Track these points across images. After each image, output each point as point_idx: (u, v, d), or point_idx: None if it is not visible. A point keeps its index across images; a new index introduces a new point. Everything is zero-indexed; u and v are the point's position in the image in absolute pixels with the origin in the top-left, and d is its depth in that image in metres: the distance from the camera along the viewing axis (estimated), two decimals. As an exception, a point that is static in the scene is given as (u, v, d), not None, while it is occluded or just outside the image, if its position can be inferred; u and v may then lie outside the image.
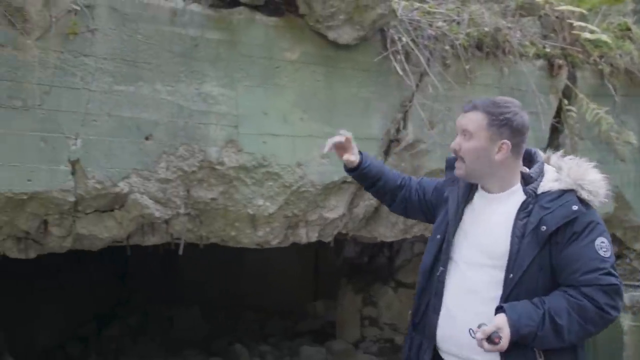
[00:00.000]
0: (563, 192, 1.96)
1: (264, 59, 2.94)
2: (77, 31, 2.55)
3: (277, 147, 2.97)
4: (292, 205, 3.10)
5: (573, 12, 3.81)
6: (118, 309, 6.64)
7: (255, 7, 2.90)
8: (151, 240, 3.06)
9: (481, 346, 1.84)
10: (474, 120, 2.02)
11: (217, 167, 2.86)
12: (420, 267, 2.22)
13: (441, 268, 2.10)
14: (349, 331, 6.02)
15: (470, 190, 2.14)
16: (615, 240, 4.48)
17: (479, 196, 2.12)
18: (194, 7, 2.80)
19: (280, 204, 3.04)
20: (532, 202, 1.98)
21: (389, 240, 3.72)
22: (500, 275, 1.96)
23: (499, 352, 1.87)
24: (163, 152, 2.74)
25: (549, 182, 1.99)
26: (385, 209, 3.45)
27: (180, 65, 2.76)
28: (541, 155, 2.13)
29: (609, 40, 3.85)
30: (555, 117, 3.85)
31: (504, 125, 1.99)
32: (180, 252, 2.97)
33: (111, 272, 6.69)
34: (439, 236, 2.15)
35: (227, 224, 3.04)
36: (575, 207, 1.92)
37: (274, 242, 3.22)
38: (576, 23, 3.80)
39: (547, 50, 3.84)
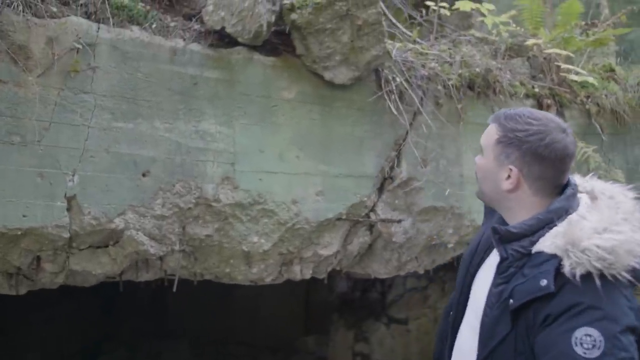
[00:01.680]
0: (552, 257, 1.48)
1: (262, 98, 2.99)
2: (79, 69, 2.59)
3: (272, 184, 3.00)
4: (287, 242, 3.11)
5: (560, 54, 3.92)
6: (105, 343, 6.53)
7: (253, 47, 2.96)
8: (145, 276, 3.05)
9: None
10: (487, 133, 1.69)
11: (213, 203, 2.87)
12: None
13: (451, 313, 1.79)
14: (340, 367, 5.97)
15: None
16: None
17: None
18: (194, 46, 2.86)
19: (275, 241, 3.05)
20: (518, 265, 1.54)
21: (382, 277, 3.73)
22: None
23: None
24: (160, 188, 2.75)
25: (549, 239, 1.50)
26: (379, 245, 3.49)
27: (179, 103, 2.80)
28: (573, 193, 1.59)
29: (595, 82, 3.95)
30: (545, 156, 3.92)
31: (511, 146, 1.59)
32: (175, 289, 2.95)
33: (98, 305, 6.61)
34: (460, 280, 1.80)
35: (222, 261, 3.04)
36: (543, 282, 1.44)
37: (268, 279, 3.22)
38: (563, 65, 3.91)
39: (536, 90, 3.93)
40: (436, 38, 3.88)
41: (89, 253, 2.80)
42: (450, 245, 3.69)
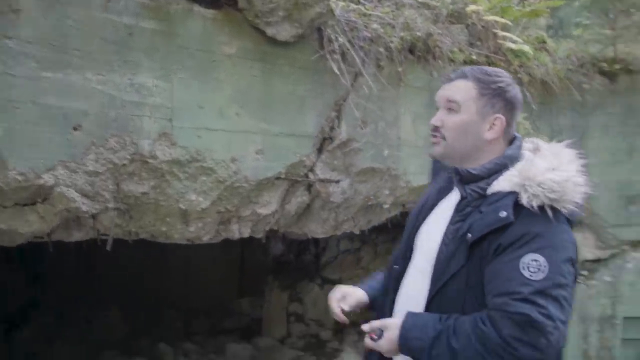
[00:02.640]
0: (509, 194, 1.63)
1: (201, 52, 2.88)
2: None
3: (212, 141, 2.93)
4: (225, 200, 3.06)
5: (497, 22, 4.00)
6: (31, 310, 6.29)
7: (193, -2, 2.85)
8: (76, 236, 2.93)
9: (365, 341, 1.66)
10: (462, 89, 1.73)
11: (150, 160, 2.77)
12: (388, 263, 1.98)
13: (396, 267, 1.87)
14: (275, 328, 6.05)
15: (450, 183, 1.87)
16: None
17: (455, 190, 1.82)
18: (129, -6, 2.71)
19: (214, 199, 3.00)
20: (474, 205, 1.69)
21: (319, 236, 3.76)
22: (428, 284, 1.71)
23: (384, 352, 1.67)
24: (92, 143, 2.62)
25: (505, 180, 1.66)
26: (317, 205, 3.51)
27: (113, 54, 2.65)
28: (521, 146, 1.77)
29: (530, 51, 4.08)
30: (479, 121, 4.03)
31: (497, 96, 1.71)
32: (109, 247, 2.86)
33: (23, 270, 6.34)
34: (406, 234, 1.90)
35: (158, 219, 2.96)
36: (502, 214, 1.58)
37: (206, 238, 3.17)
38: (501, 33, 4.00)
39: (474, 57, 4.01)
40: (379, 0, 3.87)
41: (14, 211, 2.65)
42: (386, 206, 3.76)
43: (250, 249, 7.09)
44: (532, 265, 1.52)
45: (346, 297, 1.95)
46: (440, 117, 1.78)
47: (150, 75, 2.75)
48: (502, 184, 1.67)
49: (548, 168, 1.63)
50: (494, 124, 1.73)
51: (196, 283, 6.99)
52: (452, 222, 1.71)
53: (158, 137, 2.78)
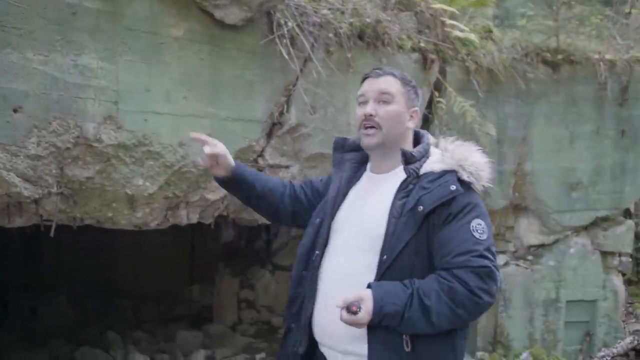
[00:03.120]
0: (444, 173, 1.87)
1: (148, 34, 2.83)
2: None
3: (159, 125, 2.89)
4: (173, 185, 3.04)
5: (445, 10, 4.07)
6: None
7: (138, -21, 2.79)
8: (17, 221, 2.85)
9: (340, 317, 1.72)
10: (392, 83, 1.94)
11: (95, 144, 2.72)
12: (297, 252, 2.04)
13: (317, 252, 1.96)
14: (226, 315, 6.03)
15: (357, 172, 2.06)
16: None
17: (366, 178, 2.04)
18: (72, -28, 2.63)
19: (161, 184, 2.97)
20: (413, 183, 1.88)
21: (269, 222, 3.76)
22: (375, 258, 1.84)
23: (358, 326, 1.74)
24: (34, 126, 2.55)
25: (433, 163, 1.90)
26: (267, 191, 3.50)
27: (55, 34, 2.58)
28: (429, 137, 2.04)
29: (476, 40, 4.17)
30: (426, 108, 4.11)
31: (414, 93, 1.99)
32: (52, 234, 2.79)
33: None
34: (318, 220, 2.01)
35: (104, 205, 2.91)
36: (453, 187, 1.82)
37: (153, 224, 3.14)
38: (448, 21, 4.08)
39: (422, 44, 4.07)
40: (329, -15, 3.87)
41: (-49, 195, 2.56)
42: (336, 192, 3.79)
43: (201, 236, 7.03)
44: (479, 228, 1.81)
45: (217, 145, 2.07)
46: (373, 107, 1.93)
47: (95, 56, 2.69)
48: (434, 165, 1.90)
49: (469, 152, 1.93)
50: (412, 115, 2.00)
51: (146, 270, 6.89)
52: (398, 198, 1.89)
53: (103, 121, 2.73)
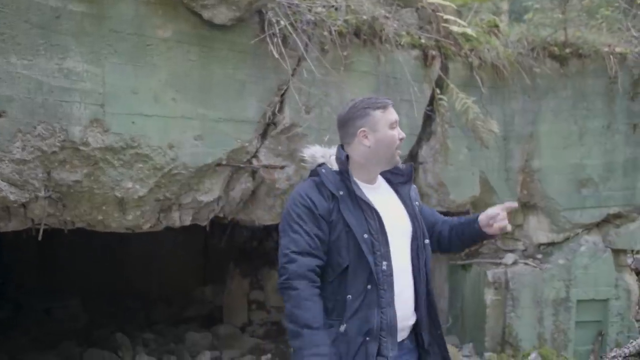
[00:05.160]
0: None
1: (134, 36, 2.82)
2: None
3: (147, 127, 2.88)
4: (164, 188, 3.02)
5: (445, 6, 3.99)
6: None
7: (124, -19, 2.78)
8: (9, 226, 2.86)
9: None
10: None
11: (81, 147, 2.72)
12: (352, 271, 2.04)
13: (384, 262, 2.06)
14: (236, 315, 6.02)
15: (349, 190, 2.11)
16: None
17: (368, 190, 2.12)
18: (55, -24, 2.63)
19: (151, 187, 2.96)
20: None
21: (267, 223, 3.73)
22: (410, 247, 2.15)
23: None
24: (18, 130, 2.56)
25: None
26: (262, 191, 3.48)
27: (39, 38, 2.58)
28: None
29: (474, 34, 4.07)
30: (428, 106, 4.03)
31: None
32: (40, 237, 2.80)
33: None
34: (365, 235, 2.05)
35: (94, 208, 2.91)
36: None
37: (146, 226, 3.13)
38: (446, 16, 3.99)
39: (422, 41, 4.00)
40: (323, -18, 3.82)
41: (-61, 200, 2.58)
42: (334, 192, 3.74)
43: (214, 236, 7.04)
44: None
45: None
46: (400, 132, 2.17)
47: (80, 59, 2.69)
48: None
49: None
50: None
51: (159, 271, 6.93)
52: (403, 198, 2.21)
53: (89, 124, 2.72)
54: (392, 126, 2.13)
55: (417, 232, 2.16)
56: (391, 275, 2.07)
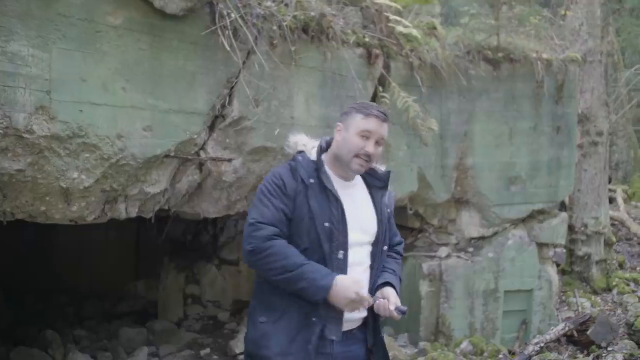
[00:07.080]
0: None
1: (84, 21, 2.74)
2: None
3: (95, 116, 2.81)
4: (111, 178, 2.96)
5: (390, 6, 4.11)
6: None
7: (73, -36, 2.69)
8: (-57, 215, 2.72)
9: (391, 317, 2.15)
10: (387, 130, 2.24)
11: (25, 135, 2.62)
12: (309, 256, 2.11)
13: (341, 251, 2.15)
14: (171, 310, 5.94)
15: (321, 182, 2.19)
16: (417, 216, 4.98)
17: (342, 185, 2.22)
18: (0, -45, 2.52)
19: (97, 177, 2.89)
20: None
21: (212, 216, 3.73)
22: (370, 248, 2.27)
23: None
24: (-42, 115, 2.43)
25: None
26: (209, 184, 3.47)
27: (-19, 19, 2.47)
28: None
29: (418, 36, 4.23)
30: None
31: None
32: (-21, 227, 2.67)
33: None
34: (326, 224, 2.14)
35: (37, 198, 2.80)
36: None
37: (90, 218, 3.05)
38: (392, 17, 4.12)
39: (367, 39, 4.10)
40: (273, -23, 3.84)
41: None
42: (280, 186, 3.78)
43: (146, 231, 6.89)
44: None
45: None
46: (373, 148, 2.20)
47: (26, 43, 2.58)
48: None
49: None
50: None
51: (89, 265, 6.71)
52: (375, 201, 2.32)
53: (35, 111, 2.63)
54: (362, 134, 2.18)
55: (379, 237, 2.27)
56: (346, 266, 2.15)
